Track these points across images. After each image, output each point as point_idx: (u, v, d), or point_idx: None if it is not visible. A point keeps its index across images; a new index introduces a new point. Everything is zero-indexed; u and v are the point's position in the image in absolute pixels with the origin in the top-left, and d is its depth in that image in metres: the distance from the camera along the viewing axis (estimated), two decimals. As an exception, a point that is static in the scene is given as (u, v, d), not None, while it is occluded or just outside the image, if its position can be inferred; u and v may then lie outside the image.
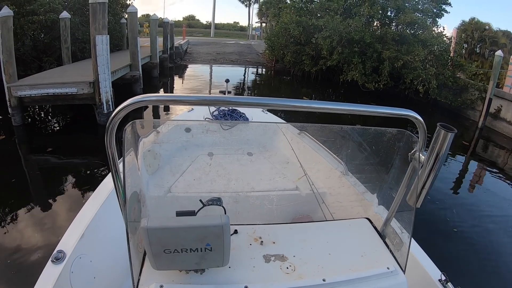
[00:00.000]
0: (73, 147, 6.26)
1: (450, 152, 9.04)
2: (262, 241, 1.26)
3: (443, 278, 1.78)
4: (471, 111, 11.53)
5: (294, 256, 1.21)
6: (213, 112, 2.30)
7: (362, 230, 1.43)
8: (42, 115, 8.30)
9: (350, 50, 13.36)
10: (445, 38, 13.67)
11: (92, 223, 1.94)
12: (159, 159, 2.05)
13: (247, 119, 2.44)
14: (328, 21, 13.69)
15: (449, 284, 1.76)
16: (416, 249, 1.95)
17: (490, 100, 10.20)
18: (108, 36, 6.82)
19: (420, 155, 1.23)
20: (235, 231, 1.28)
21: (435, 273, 1.84)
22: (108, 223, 1.96)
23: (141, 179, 1.63)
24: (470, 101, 11.41)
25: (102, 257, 1.91)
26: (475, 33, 15.74)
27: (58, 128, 7.65)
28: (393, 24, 14.47)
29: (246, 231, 1.29)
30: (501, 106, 10.16)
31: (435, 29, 14.26)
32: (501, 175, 7.32)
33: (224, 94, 3.39)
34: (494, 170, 7.65)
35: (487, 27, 16.05)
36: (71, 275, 1.67)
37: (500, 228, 5.20)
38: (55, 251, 1.69)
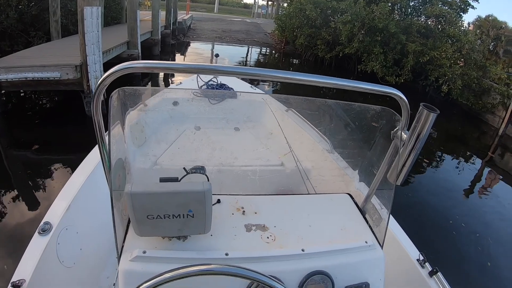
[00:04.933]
0: (58, 140, 5.56)
1: (467, 153, 9.09)
2: (244, 211, 1.29)
3: (421, 258, 1.84)
4: (490, 115, 11.04)
5: (275, 227, 1.24)
6: (202, 86, 2.29)
7: (343, 205, 1.46)
8: (28, 101, 7.28)
9: (372, 39, 12.26)
10: (473, 37, 12.74)
11: (78, 195, 1.94)
12: (146, 132, 2.05)
13: (235, 94, 2.45)
14: (350, 5, 12.64)
15: (427, 264, 1.82)
16: (396, 228, 2.01)
17: None
18: (101, 8, 5.75)
19: (402, 133, 1.26)
20: (218, 201, 1.30)
21: (414, 253, 1.90)
22: (94, 195, 1.97)
23: (127, 150, 1.63)
24: (490, 105, 10.88)
25: (88, 229, 1.92)
26: (491, 30, 15.29)
27: (43, 116, 6.63)
28: (420, 15, 13.44)
29: (228, 201, 1.32)
30: (524, 115, 9.66)
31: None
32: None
33: None
34: (507, 180, 7.54)
35: (503, 25, 15.66)
36: (57, 246, 1.69)
37: (493, 230, 5.34)
38: (41, 223, 1.70)
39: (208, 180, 1.06)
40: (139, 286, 0.84)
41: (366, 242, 1.27)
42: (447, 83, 11.21)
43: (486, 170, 8.10)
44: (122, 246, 1.13)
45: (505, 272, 4.32)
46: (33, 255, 1.54)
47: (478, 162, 8.45)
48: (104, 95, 0.96)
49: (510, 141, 9.82)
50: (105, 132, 1.08)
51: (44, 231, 1.67)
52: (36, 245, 1.59)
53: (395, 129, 1.29)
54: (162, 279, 0.83)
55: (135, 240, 1.12)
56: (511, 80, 11.17)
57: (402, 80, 11.78)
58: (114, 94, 1.16)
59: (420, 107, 1.15)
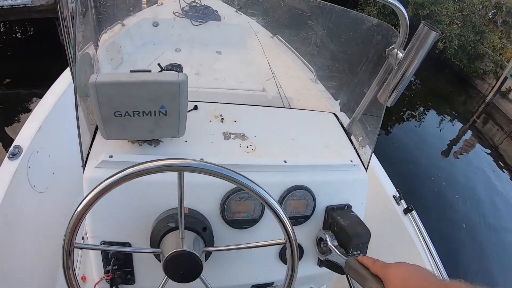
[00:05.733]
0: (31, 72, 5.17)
1: (453, 113, 9.11)
2: (223, 118, 1.20)
3: (397, 195, 1.85)
4: (479, 81, 11.06)
5: (255, 137, 1.16)
6: (184, 7, 2.13)
7: (328, 123, 1.40)
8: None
9: (371, -20, 11.62)
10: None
11: (49, 116, 1.83)
12: (123, 53, 1.90)
13: (219, 17, 2.29)
14: None
15: (402, 201, 1.83)
16: (375, 163, 1.99)
17: (506, 78, 9.82)
18: None
19: (398, 52, 1.17)
20: (195, 107, 1.20)
21: (390, 189, 1.90)
22: (66, 116, 1.85)
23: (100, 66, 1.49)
24: (482, 71, 10.88)
25: (61, 151, 1.84)
26: None
27: (16, 48, 6.24)
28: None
29: (206, 108, 1.22)
30: (512, 88, 9.72)
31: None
32: (489, 154, 7.41)
33: None
34: (486, 146, 7.72)
35: None
36: (28, 170, 1.60)
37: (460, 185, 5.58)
38: (11, 147, 1.61)
39: None
40: (99, 184, 0.74)
41: (351, 161, 1.21)
42: (444, 41, 10.97)
43: (469, 133, 8.29)
44: (88, 153, 1.03)
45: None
46: (2, 181, 1.45)
47: (459, 124, 8.62)
48: None
49: (495, 110, 9.98)
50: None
51: (14, 155, 1.57)
52: (6, 170, 1.50)
53: (390, 47, 1.20)
54: (124, 175, 0.73)
55: (102, 145, 1.02)
56: (505, 50, 11.10)
57: (398, 31, 11.47)
58: None
59: (421, 24, 1.07)
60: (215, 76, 1.76)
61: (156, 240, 0.95)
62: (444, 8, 11.02)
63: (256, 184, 0.73)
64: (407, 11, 1.08)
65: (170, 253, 0.83)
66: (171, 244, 0.87)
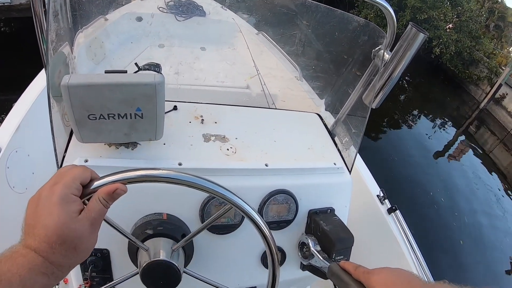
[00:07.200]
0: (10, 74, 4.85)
1: (445, 118, 9.15)
2: (203, 120, 1.16)
3: (381, 194, 1.84)
4: (473, 87, 11.15)
5: (236, 139, 1.13)
6: (168, 2, 2.08)
7: (312, 124, 1.37)
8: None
9: (368, -17, 11.70)
10: (475, 5, 12.32)
11: (28, 114, 1.77)
12: (106, 48, 1.85)
13: (204, 13, 2.25)
14: None
15: (386, 201, 1.83)
16: (359, 162, 1.98)
17: (500, 85, 9.88)
18: None
19: (385, 53, 1.15)
20: (174, 107, 1.17)
21: (374, 189, 1.90)
22: (45, 114, 1.79)
23: (80, 64, 1.45)
24: (476, 77, 10.94)
25: (40, 151, 1.77)
26: (486, 2, 14.92)
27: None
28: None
29: (186, 108, 1.18)
30: (506, 94, 9.86)
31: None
32: (481, 160, 7.47)
33: None
34: (478, 152, 7.79)
35: (499, 0, 15.33)
36: (7, 171, 1.55)
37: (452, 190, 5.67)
38: None
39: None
40: None
41: (334, 164, 1.19)
42: (440, 46, 11.04)
43: (460, 138, 8.38)
44: (64, 157, 0.99)
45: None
46: None
47: (452, 130, 8.70)
48: None
49: (489, 117, 10.09)
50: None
51: None
52: None
53: (377, 48, 1.18)
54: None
55: (77, 148, 0.98)
56: (496, 54, 11.14)
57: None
58: None
59: (409, 25, 1.05)
60: (197, 73, 1.72)
61: (133, 247, 0.92)
62: (442, 13, 11.07)
63: (233, 193, 0.70)
64: (395, 12, 1.07)
65: (145, 264, 0.81)
66: (146, 254, 0.84)
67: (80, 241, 0.57)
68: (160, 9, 1.87)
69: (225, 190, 0.69)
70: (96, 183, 0.63)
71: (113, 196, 0.62)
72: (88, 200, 0.62)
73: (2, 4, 5.07)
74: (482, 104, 10.32)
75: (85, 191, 0.62)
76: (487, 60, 11.10)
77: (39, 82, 1.95)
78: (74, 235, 0.55)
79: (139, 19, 1.90)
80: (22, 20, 5.57)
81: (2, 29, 6.12)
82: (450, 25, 11.54)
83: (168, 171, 0.66)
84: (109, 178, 0.63)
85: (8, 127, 1.67)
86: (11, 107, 1.77)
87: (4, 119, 1.77)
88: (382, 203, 1.81)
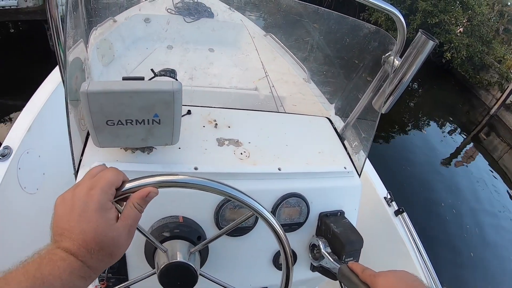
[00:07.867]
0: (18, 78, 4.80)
1: (454, 123, 9.08)
2: (216, 124, 1.19)
3: (389, 196, 1.86)
4: (484, 92, 10.88)
5: (249, 143, 1.15)
6: (177, 4, 2.10)
7: (322, 128, 1.39)
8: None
9: (380, -13, 11.51)
10: (487, 9, 11.95)
11: (39, 116, 1.79)
12: (114, 49, 1.87)
13: (212, 14, 2.26)
14: None
15: (394, 203, 1.85)
16: (366, 164, 2.00)
17: (511, 91, 9.68)
18: None
19: (395, 59, 1.17)
20: (188, 112, 1.19)
21: (382, 190, 1.92)
22: (56, 116, 1.81)
23: (91, 65, 1.46)
24: (487, 82, 10.67)
25: (51, 152, 1.80)
26: (496, 5, 14.71)
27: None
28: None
29: (200, 112, 1.21)
30: (517, 101, 9.62)
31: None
32: (490, 167, 7.40)
33: None
34: (487, 158, 7.72)
35: (509, 3, 15.10)
36: (18, 171, 1.57)
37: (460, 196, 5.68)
38: (0, 148, 1.57)
39: None
40: None
41: (345, 168, 1.21)
42: (451, 51, 10.79)
43: (470, 145, 8.30)
44: (80, 161, 1.01)
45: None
46: None
47: (462, 135, 8.62)
48: None
49: (500, 123, 9.90)
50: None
51: (4, 156, 1.54)
52: None
53: (387, 54, 1.20)
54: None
55: (94, 152, 1.00)
56: (506, 58, 10.92)
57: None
58: None
59: (418, 33, 1.06)
60: (208, 75, 1.74)
61: (150, 250, 0.94)
62: (453, 17, 10.82)
63: (248, 196, 0.73)
64: (406, 16, 1.08)
65: (163, 265, 0.83)
66: (164, 256, 0.87)
67: (117, 248, 0.59)
68: (169, 10, 1.89)
69: (241, 193, 0.71)
70: (128, 185, 0.66)
71: (146, 200, 0.64)
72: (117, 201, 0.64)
73: (9, 7, 4.99)
74: (493, 110, 10.13)
75: (117, 193, 0.65)
76: (498, 65, 10.84)
77: (50, 83, 1.97)
78: (112, 243, 0.58)
79: (148, 20, 1.92)
80: (29, 23, 5.56)
81: (10, 31, 6.15)
82: (461, 29, 11.38)
83: (203, 179, 0.68)
84: (142, 181, 0.66)
85: (20, 128, 1.70)
86: (19, 109, 1.80)
87: (13, 120, 1.79)
88: (389, 205, 1.83)
